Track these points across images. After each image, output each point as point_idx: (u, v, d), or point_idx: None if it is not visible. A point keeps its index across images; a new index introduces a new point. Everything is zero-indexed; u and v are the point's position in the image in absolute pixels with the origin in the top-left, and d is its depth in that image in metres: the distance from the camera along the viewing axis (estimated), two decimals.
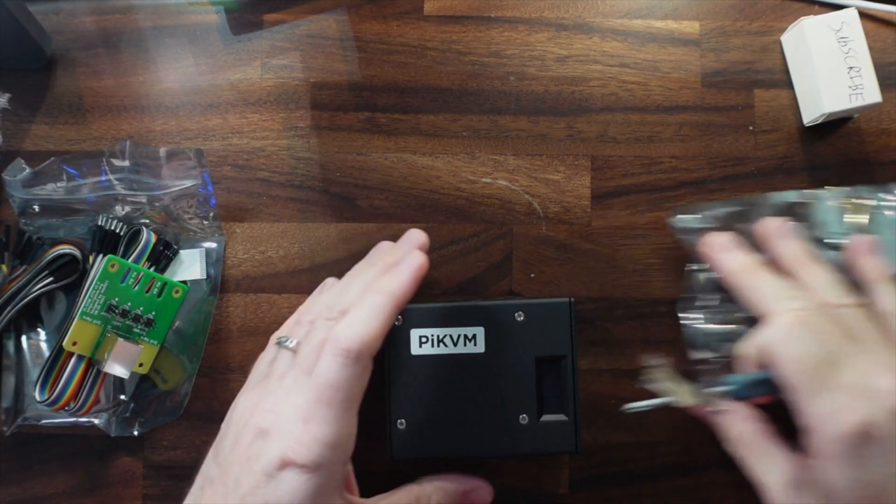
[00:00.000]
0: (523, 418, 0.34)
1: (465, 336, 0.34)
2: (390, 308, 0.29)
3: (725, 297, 0.37)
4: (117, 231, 0.37)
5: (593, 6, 0.40)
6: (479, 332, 0.34)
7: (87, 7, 0.40)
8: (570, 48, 0.40)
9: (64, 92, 0.40)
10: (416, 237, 0.36)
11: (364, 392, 0.29)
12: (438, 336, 0.34)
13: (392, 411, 0.34)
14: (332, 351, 0.28)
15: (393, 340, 0.35)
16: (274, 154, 0.39)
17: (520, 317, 0.34)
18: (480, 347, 0.34)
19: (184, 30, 0.40)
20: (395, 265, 0.32)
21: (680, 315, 0.38)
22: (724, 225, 0.38)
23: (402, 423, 0.34)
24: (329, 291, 0.35)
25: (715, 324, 0.37)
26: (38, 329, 0.37)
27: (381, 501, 0.32)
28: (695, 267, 0.38)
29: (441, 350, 0.34)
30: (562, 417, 0.34)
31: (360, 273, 0.33)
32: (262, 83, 0.40)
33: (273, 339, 0.33)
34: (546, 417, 0.34)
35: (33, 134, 0.39)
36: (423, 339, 0.34)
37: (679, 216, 0.38)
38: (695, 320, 0.38)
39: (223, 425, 0.31)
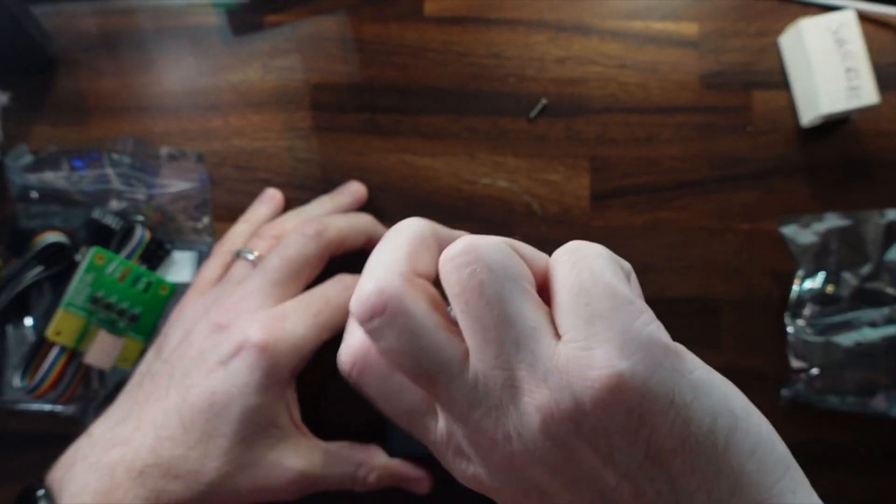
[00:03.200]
0: None
1: None
2: (366, 228, 0.34)
3: (832, 310, 0.38)
4: (111, 226, 0.37)
5: (592, 8, 0.40)
6: None
7: (89, 8, 0.40)
8: (569, 49, 0.40)
9: (65, 93, 0.40)
10: (357, 187, 0.38)
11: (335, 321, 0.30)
12: None
13: None
14: (302, 233, 0.30)
15: None
16: (275, 155, 0.39)
17: None
18: None
19: (185, 31, 0.40)
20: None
21: (786, 323, 0.39)
22: (832, 239, 0.38)
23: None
24: (294, 211, 0.36)
25: (819, 335, 0.38)
26: (25, 317, 0.37)
27: (330, 444, 0.31)
28: (801, 276, 0.38)
29: None
30: None
31: (328, 200, 0.36)
32: (263, 84, 0.40)
33: (223, 249, 0.34)
34: None
35: (35, 135, 0.39)
36: None
37: (787, 227, 0.38)
38: (799, 329, 0.38)
39: (164, 329, 0.31)
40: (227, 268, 0.34)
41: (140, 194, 0.37)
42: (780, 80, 0.40)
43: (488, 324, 0.17)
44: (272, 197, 0.38)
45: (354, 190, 0.38)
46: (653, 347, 0.17)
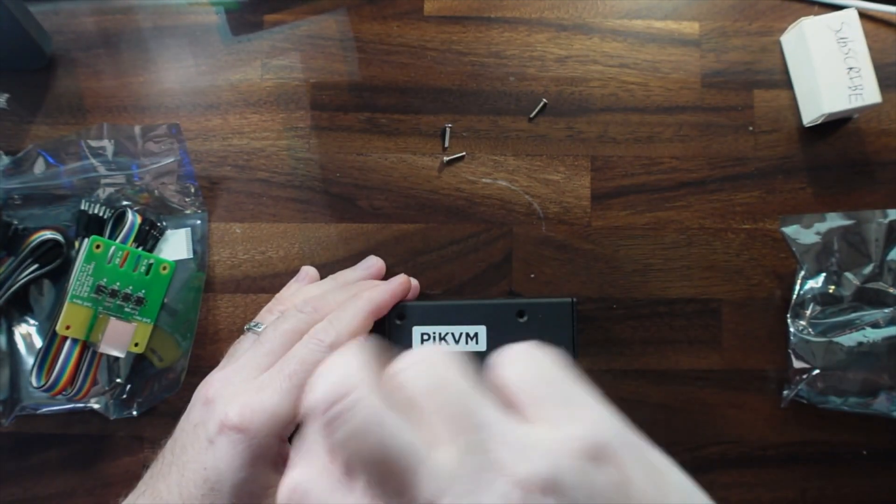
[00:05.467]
0: None
1: (468, 334, 0.34)
2: (371, 314, 0.32)
3: (834, 311, 0.37)
4: (101, 214, 0.37)
5: (593, 7, 0.40)
6: (482, 330, 0.34)
7: (88, 7, 0.40)
8: (569, 48, 0.40)
9: (64, 92, 0.40)
10: (374, 262, 0.38)
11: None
12: (441, 334, 0.34)
13: None
14: (314, 342, 0.30)
15: (395, 338, 0.35)
16: (274, 154, 0.39)
17: (522, 316, 0.34)
18: (482, 346, 0.34)
19: (184, 30, 0.40)
20: (377, 285, 0.35)
21: (788, 323, 0.38)
22: (834, 239, 0.38)
23: None
24: (305, 287, 0.37)
25: (821, 335, 0.37)
26: (29, 319, 0.38)
27: None
28: (803, 276, 0.38)
29: (443, 348, 0.34)
30: None
31: (342, 276, 0.36)
32: (263, 83, 0.40)
33: (246, 325, 0.35)
34: None
35: (33, 134, 0.39)
36: (426, 337, 0.34)
37: (789, 227, 0.38)
38: (801, 330, 0.38)
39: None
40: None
41: (122, 177, 0.38)
42: (781, 80, 0.40)
43: (454, 412, 0.17)
44: (306, 274, 0.38)
45: (371, 264, 0.38)
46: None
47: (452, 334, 0.34)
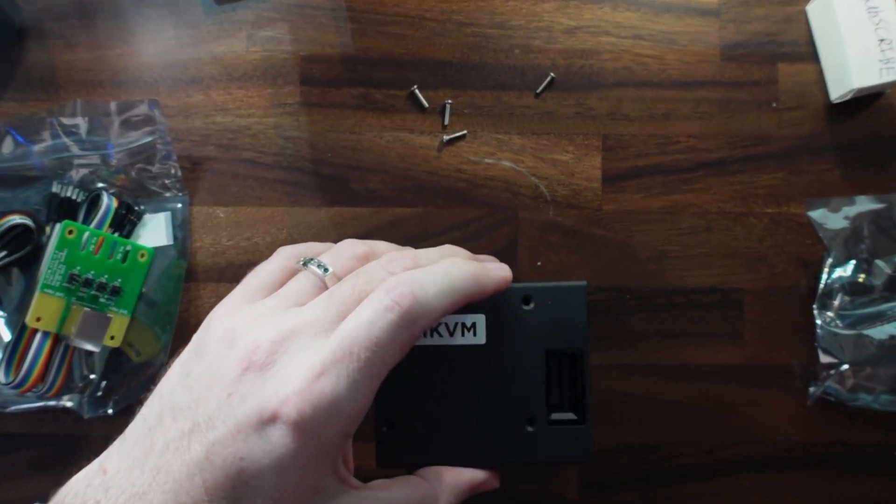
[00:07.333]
0: (530, 421, 0.31)
1: (464, 325, 0.31)
2: (467, 290, 0.26)
3: (864, 301, 0.36)
4: (74, 198, 0.35)
5: None
6: (480, 320, 0.31)
7: None
8: (579, 18, 0.38)
9: (35, 66, 0.38)
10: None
11: (391, 368, 0.25)
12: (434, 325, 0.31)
13: (378, 411, 0.31)
14: (384, 303, 0.24)
15: None
16: (261, 133, 0.38)
17: (528, 303, 0.31)
18: (481, 338, 0.31)
19: None
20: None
21: (814, 315, 0.37)
22: (864, 224, 0.37)
23: (389, 426, 0.31)
24: (386, 251, 0.29)
25: (850, 328, 0.36)
26: None
27: (380, 490, 0.27)
28: (830, 264, 0.37)
29: (436, 341, 0.31)
30: (571, 417, 0.32)
31: (438, 251, 0.29)
32: (248, 56, 0.38)
33: (288, 252, 0.28)
34: (555, 416, 0.32)
35: (1, 112, 0.37)
36: None
37: (816, 211, 0.37)
38: (828, 322, 0.37)
39: (198, 336, 0.26)
40: (289, 276, 0.28)
41: (96, 157, 0.36)
42: (807, 52, 0.38)
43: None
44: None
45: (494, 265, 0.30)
46: None
47: (446, 325, 0.31)
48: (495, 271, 0.28)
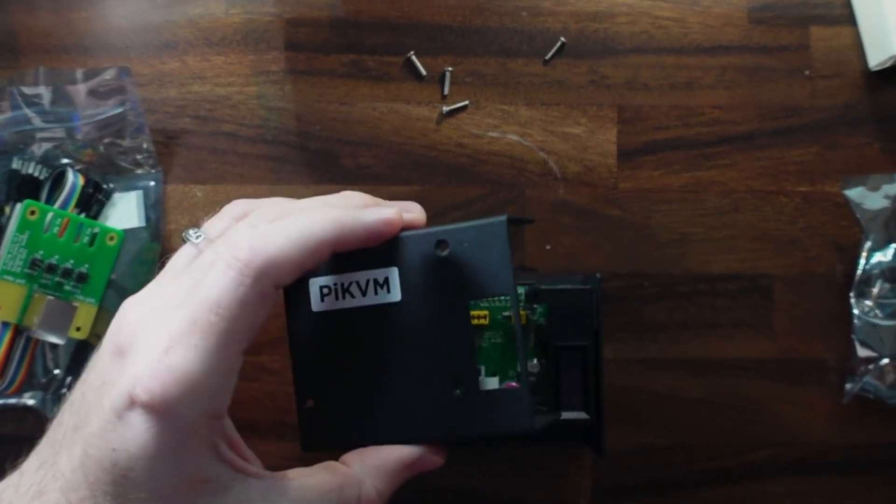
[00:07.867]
0: (458, 387, 0.27)
1: (376, 281, 0.28)
2: (323, 236, 0.25)
3: None
4: (36, 175, 0.35)
5: None
6: (393, 273, 0.28)
7: None
8: None
9: None
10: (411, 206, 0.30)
11: (256, 333, 0.24)
12: (343, 284, 0.28)
13: (297, 388, 0.29)
14: (225, 260, 0.23)
15: (289, 297, 0.29)
16: (241, 103, 0.37)
17: (444, 249, 0.28)
18: (396, 295, 0.28)
19: None
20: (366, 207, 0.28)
21: (851, 304, 0.36)
22: None
23: (311, 403, 0.29)
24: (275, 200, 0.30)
25: (890, 318, 0.35)
26: None
27: (291, 479, 0.26)
28: (869, 247, 0.36)
29: (348, 303, 0.28)
30: (582, 415, 0.31)
31: (320, 197, 0.29)
32: (228, 19, 0.37)
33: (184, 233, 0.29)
34: (565, 414, 0.31)
35: None
36: (326, 291, 0.29)
37: (853, 189, 0.36)
38: (867, 311, 0.36)
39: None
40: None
41: (64, 131, 0.35)
42: (843, 15, 0.37)
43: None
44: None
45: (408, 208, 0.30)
46: None
47: (358, 283, 0.28)
48: (369, 214, 0.26)
